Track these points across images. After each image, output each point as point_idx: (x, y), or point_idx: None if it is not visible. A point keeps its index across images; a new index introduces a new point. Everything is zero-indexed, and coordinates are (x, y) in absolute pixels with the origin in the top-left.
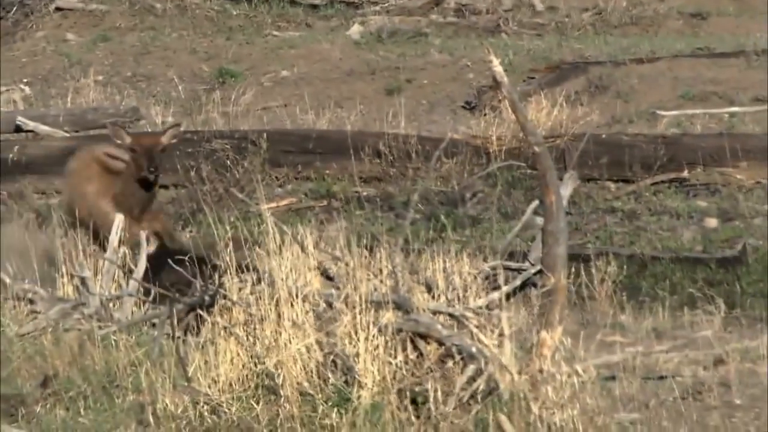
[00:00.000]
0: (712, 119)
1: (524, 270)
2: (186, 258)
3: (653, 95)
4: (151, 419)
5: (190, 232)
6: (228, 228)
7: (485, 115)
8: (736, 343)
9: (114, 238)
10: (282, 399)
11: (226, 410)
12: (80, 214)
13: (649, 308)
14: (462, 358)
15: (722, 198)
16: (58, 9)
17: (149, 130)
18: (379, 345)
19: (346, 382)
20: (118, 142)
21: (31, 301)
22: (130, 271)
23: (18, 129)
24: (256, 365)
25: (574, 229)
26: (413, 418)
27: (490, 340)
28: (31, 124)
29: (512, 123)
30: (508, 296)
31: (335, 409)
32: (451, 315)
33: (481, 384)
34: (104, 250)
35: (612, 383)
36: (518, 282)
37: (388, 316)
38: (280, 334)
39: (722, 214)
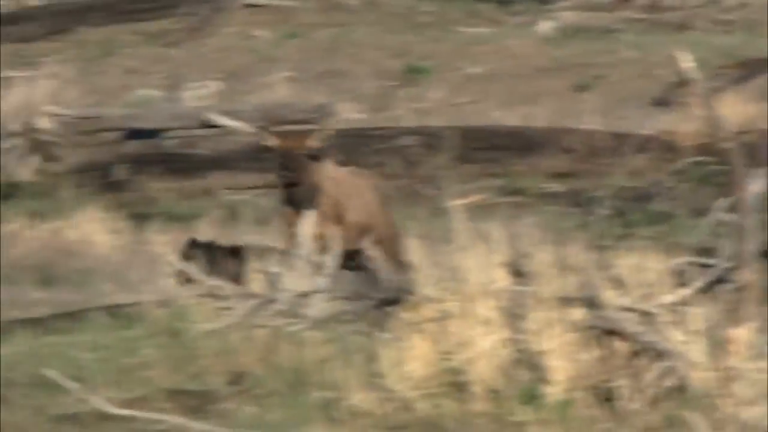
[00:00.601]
0: None
1: (714, 266)
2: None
3: None
4: (341, 416)
5: None
6: (418, 224)
7: (675, 111)
8: None
9: (305, 234)
10: (471, 396)
11: (415, 407)
12: None
13: None
14: (652, 355)
15: None
16: (246, 5)
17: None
18: (569, 342)
19: (534, 378)
20: (264, 143)
21: (221, 297)
22: (320, 268)
23: (208, 125)
24: (445, 362)
25: (765, 226)
26: (602, 414)
27: (679, 336)
28: (221, 120)
29: (701, 119)
30: (698, 292)
31: (524, 406)
32: (641, 311)
33: (671, 381)
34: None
35: None
36: (708, 278)
37: (578, 313)
38: (470, 331)
39: None
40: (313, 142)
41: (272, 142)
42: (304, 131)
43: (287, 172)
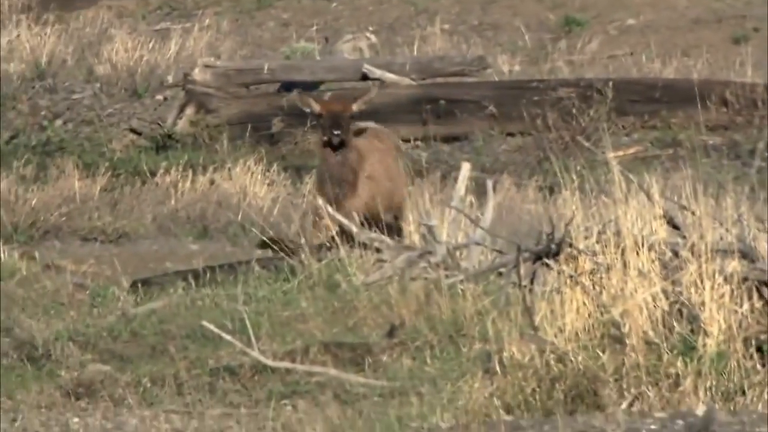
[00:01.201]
0: None
1: None
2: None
3: None
4: (498, 368)
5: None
6: (574, 177)
7: None
8: None
9: (461, 185)
10: (628, 348)
11: (572, 359)
12: None
13: None
14: None
15: None
16: None
17: (496, 79)
18: (725, 294)
19: (691, 330)
20: (306, 109)
21: (378, 250)
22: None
23: (364, 77)
24: (602, 314)
25: None
26: (759, 366)
27: None
28: (377, 72)
29: None
30: None
31: (680, 358)
32: None
33: None
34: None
35: None
36: None
37: (734, 265)
38: (626, 283)
39: None
40: (356, 106)
41: (315, 106)
42: (346, 96)
43: (335, 131)
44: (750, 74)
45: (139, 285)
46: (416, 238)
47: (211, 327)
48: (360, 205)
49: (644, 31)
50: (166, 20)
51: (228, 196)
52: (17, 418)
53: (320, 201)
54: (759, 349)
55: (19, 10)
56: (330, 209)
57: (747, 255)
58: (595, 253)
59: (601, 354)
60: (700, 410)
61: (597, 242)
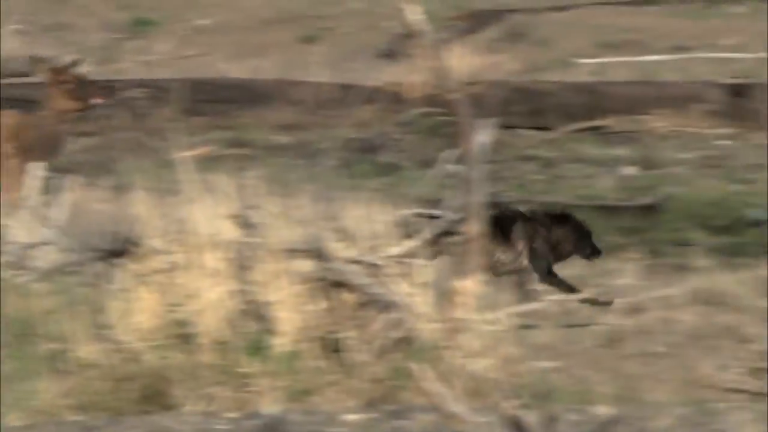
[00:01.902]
0: (630, 67)
1: (441, 218)
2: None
3: (570, 43)
4: (68, 367)
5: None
6: (145, 176)
7: (402, 62)
8: (654, 291)
9: (33, 185)
10: (198, 347)
11: (142, 358)
12: None
13: None
14: (379, 307)
15: (640, 146)
16: None
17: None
18: (297, 293)
19: (262, 330)
20: (39, 74)
21: None
22: (48, 219)
23: None
24: (172, 313)
25: (491, 177)
26: (330, 366)
27: (406, 288)
28: None
29: (428, 70)
30: (425, 244)
31: (251, 358)
32: (367, 263)
33: (397, 332)
34: None
35: (529, 332)
36: (435, 230)
37: (305, 265)
38: (197, 282)
39: (640, 162)
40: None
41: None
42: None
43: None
44: (321, 74)
45: None
46: None
47: None
48: None
49: (214, 31)
50: None
51: None
52: None
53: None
54: (330, 349)
55: None
56: None
57: (318, 255)
58: (165, 252)
59: (171, 353)
60: (272, 410)
61: (168, 241)
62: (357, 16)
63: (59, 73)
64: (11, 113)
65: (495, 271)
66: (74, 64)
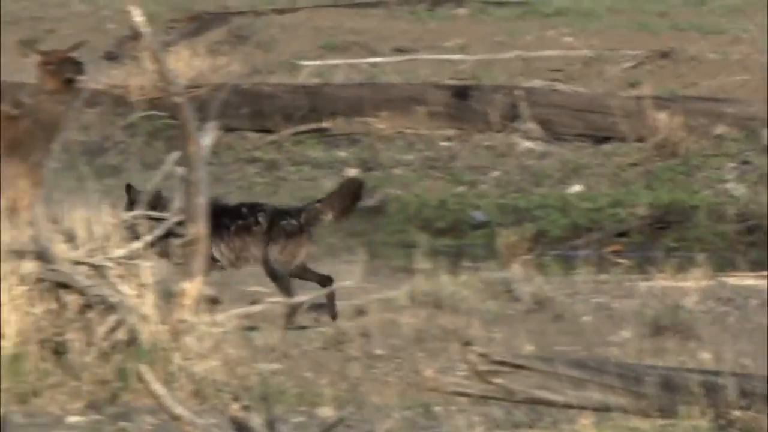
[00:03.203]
0: (354, 70)
1: (166, 220)
2: None
3: (294, 45)
4: None
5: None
6: None
7: (126, 65)
8: (377, 293)
9: None
10: None
11: None
12: None
13: None
14: (103, 309)
15: (363, 148)
16: None
17: None
18: (20, 295)
19: None
20: (26, 57)
21: None
22: None
23: None
24: None
25: (215, 180)
26: (54, 368)
27: (131, 290)
28: None
29: (153, 73)
30: (149, 246)
31: None
32: (91, 265)
33: (121, 334)
34: None
35: (253, 333)
36: (160, 232)
37: (30, 266)
38: None
39: (362, 164)
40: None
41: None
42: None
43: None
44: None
45: None
46: None
47: None
48: None
49: None
50: None
51: None
52: None
53: None
54: (55, 351)
55: None
56: None
57: (42, 256)
58: None
59: None
60: None
61: None
62: (81, 18)
63: (47, 55)
64: None
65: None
66: (77, 46)
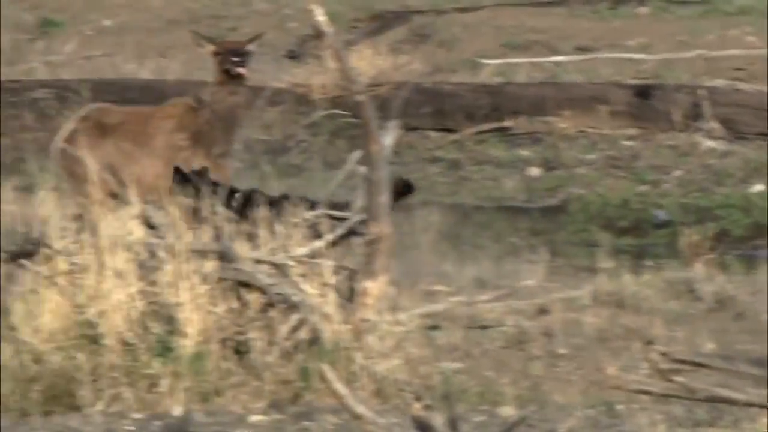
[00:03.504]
0: (535, 68)
1: (348, 219)
2: None
3: (476, 44)
4: None
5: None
6: (51, 177)
7: (308, 64)
8: (559, 293)
9: None
10: (104, 349)
11: (49, 359)
12: None
13: (472, 257)
14: (285, 308)
15: (545, 147)
16: None
17: None
18: (202, 294)
19: (168, 331)
20: (199, 48)
21: None
22: None
23: None
24: (78, 315)
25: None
26: (236, 367)
27: (313, 289)
28: None
29: (335, 72)
30: (331, 245)
31: (158, 359)
32: (273, 264)
33: (304, 333)
34: None
35: (435, 333)
36: (342, 231)
37: (211, 265)
38: (102, 283)
39: (545, 163)
40: (251, 46)
41: (209, 46)
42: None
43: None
44: None
45: None
46: None
47: None
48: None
49: (120, 32)
50: None
51: None
52: None
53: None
54: (236, 350)
55: None
56: None
57: (224, 255)
58: (71, 254)
59: (77, 354)
60: (178, 411)
61: (74, 242)
62: (263, 17)
63: (218, 45)
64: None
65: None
66: (255, 38)
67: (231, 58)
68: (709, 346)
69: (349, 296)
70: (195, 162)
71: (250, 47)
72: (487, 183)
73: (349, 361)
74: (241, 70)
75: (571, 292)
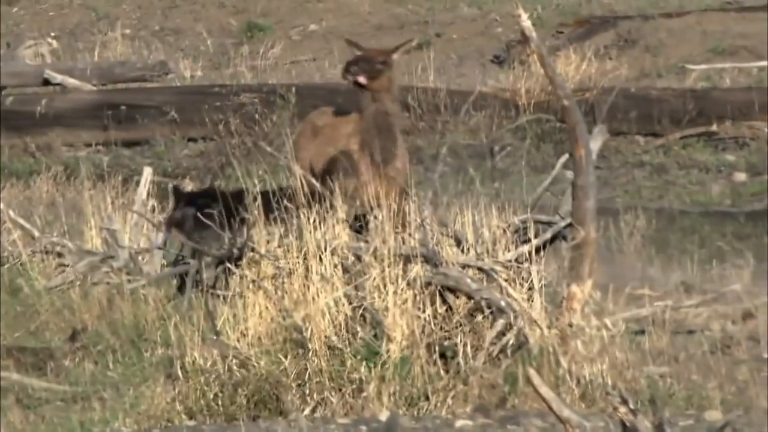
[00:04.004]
0: (741, 73)
1: (554, 223)
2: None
3: (682, 49)
4: (180, 373)
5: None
6: (256, 181)
7: (514, 68)
8: (765, 297)
9: (143, 190)
10: (310, 353)
11: (255, 364)
12: None
13: (678, 262)
14: (491, 312)
15: (751, 152)
16: None
17: (178, 84)
18: (408, 299)
19: (374, 336)
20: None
21: (60, 255)
22: (159, 225)
23: (46, 82)
24: (284, 319)
25: (603, 183)
26: (442, 372)
27: (519, 293)
28: (58, 78)
29: (541, 77)
30: (537, 250)
31: (364, 363)
32: (480, 269)
33: (510, 338)
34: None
35: (641, 337)
36: (548, 235)
37: (417, 270)
38: (309, 287)
39: (751, 168)
40: (396, 55)
41: (357, 52)
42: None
43: (351, 68)
44: (432, 79)
45: None
46: (98, 242)
47: None
48: (401, 178)
49: (327, 36)
50: None
51: None
52: None
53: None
54: (442, 355)
55: None
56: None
57: (430, 260)
58: (277, 258)
59: (283, 359)
60: (384, 415)
61: (279, 247)
62: (469, 22)
63: (360, 54)
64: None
65: None
66: (404, 45)
67: (348, 68)
68: None
69: (556, 301)
70: (363, 168)
71: (383, 58)
72: (692, 187)
73: (555, 366)
74: (356, 78)
75: None
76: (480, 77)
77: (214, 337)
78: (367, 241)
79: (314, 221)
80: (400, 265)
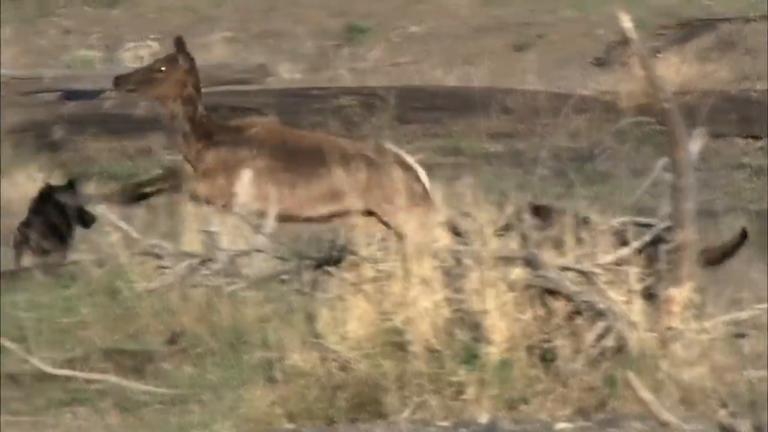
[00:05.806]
0: None
1: (653, 226)
2: None
3: None
4: (280, 375)
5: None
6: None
7: (615, 71)
8: None
9: (242, 192)
10: (410, 356)
11: (354, 367)
12: None
13: None
14: (591, 315)
15: None
16: None
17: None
18: (508, 301)
19: (474, 338)
20: None
21: (159, 257)
22: (257, 227)
23: None
24: (384, 322)
25: (702, 185)
26: (542, 374)
27: (619, 296)
28: None
29: (642, 79)
30: (637, 252)
31: (463, 366)
32: (580, 271)
33: (610, 341)
34: None
35: (741, 340)
36: (647, 238)
37: (517, 272)
38: (409, 290)
39: None
40: None
41: None
42: None
43: None
44: (533, 82)
45: None
46: (197, 244)
47: None
48: None
49: (426, 39)
50: None
51: (10, 203)
52: None
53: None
54: (542, 358)
55: None
56: None
57: (530, 262)
58: (377, 261)
59: (383, 362)
60: (484, 418)
61: (379, 249)
62: (570, 24)
63: None
64: None
65: None
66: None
67: None
68: None
69: (655, 303)
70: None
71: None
72: None
73: (654, 369)
74: None
75: None
76: (581, 79)
77: (314, 340)
78: (467, 244)
79: (414, 224)
80: (500, 268)
